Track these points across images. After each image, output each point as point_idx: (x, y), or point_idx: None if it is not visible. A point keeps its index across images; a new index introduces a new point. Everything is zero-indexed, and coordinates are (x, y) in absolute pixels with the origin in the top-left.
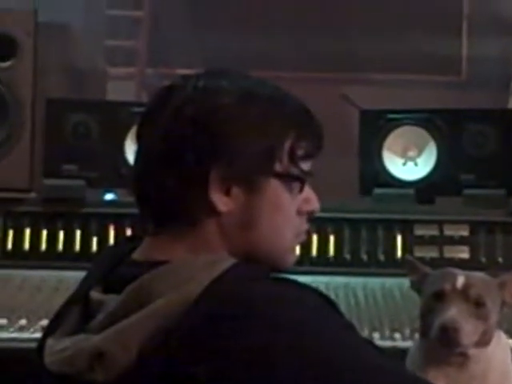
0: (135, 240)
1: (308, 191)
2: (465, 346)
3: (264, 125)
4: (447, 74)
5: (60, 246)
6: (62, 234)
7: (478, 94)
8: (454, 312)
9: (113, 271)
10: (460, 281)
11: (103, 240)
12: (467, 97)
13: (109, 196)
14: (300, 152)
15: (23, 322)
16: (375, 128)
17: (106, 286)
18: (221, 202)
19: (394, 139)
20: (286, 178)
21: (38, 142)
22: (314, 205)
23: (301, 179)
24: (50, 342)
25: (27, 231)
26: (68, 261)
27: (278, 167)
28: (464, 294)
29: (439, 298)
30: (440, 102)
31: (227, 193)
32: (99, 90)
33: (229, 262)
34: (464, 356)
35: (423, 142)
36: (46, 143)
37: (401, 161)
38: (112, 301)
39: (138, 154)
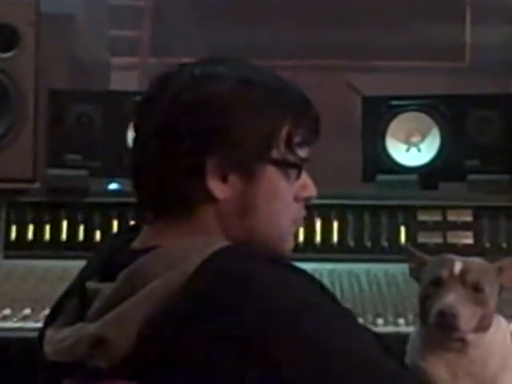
0: (136, 230)
1: (305, 177)
2: (463, 332)
3: (261, 112)
4: (450, 60)
5: (64, 236)
6: (65, 224)
7: (482, 80)
8: (451, 298)
9: (111, 261)
10: (457, 267)
11: (107, 230)
12: (470, 83)
13: (113, 186)
14: (297, 139)
15: (27, 311)
16: (378, 114)
17: (104, 275)
18: (218, 188)
19: (396, 125)
20: (283, 165)
21: (41, 133)
22: (311, 191)
23: (298, 166)
24: (49, 332)
25: (31, 222)
26: (72, 250)
27: (274, 154)
28: (461, 279)
29: (437, 284)
30: (444, 88)
31: (224, 180)
32: (102, 80)
33: (223, 243)
34: (463, 341)
35: (426, 127)
36: (49, 133)
37: (404, 147)
38: (108, 288)
39: (136, 142)
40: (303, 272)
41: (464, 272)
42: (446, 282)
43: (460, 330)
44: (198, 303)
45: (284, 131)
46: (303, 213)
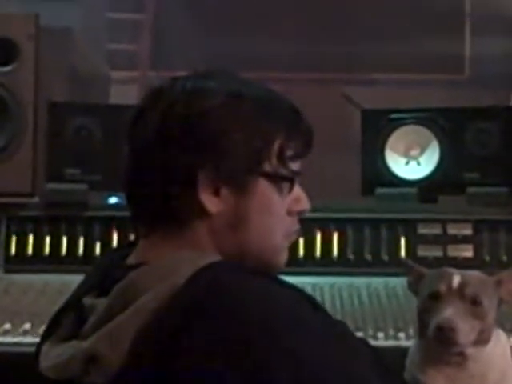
0: (135, 245)
1: (298, 191)
2: (462, 346)
3: (253, 125)
4: (450, 72)
5: (63, 250)
6: (65, 238)
7: (482, 93)
8: (450, 312)
9: (107, 276)
10: (456, 280)
11: (107, 243)
12: (470, 95)
13: (113, 199)
14: (289, 152)
15: (27, 326)
16: (377, 127)
17: (100, 291)
18: (210, 202)
19: (396, 138)
20: (275, 179)
21: (40, 147)
22: (305, 204)
23: (290, 179)
24: (45, 348)
25: (30, 236)
26: (71, 264)
27: (266, 167)
28: (460, 293)
29: (435, 298)
30: (443, 101)
31: (216, 193)
32: (102, 93)
33: (214, 257)
34: (462, 355)
35: (426, 141)
36: (49, 147)
37: (403, 160)
38: (102, 304)
39: (129, 156)
40: (293, 286)
41: (462, 286)
42: (445, 296)
43: (459, 344)
44: (187, 316)
45: (276, 144)
46: (296, 226)
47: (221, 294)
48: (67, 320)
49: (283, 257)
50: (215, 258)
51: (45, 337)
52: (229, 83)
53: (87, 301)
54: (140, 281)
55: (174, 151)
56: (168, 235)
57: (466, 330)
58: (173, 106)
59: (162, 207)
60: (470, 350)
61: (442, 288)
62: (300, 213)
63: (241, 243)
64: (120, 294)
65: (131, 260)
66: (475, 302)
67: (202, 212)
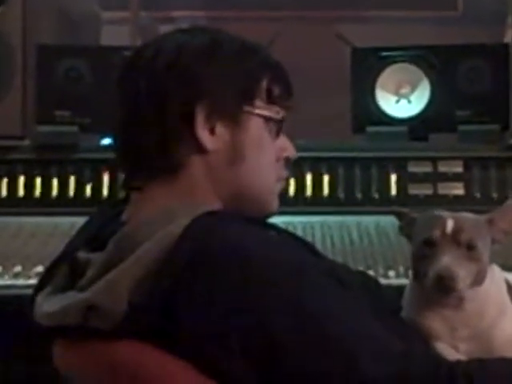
0: (125, 203)
1: (283, 139)
2: (461, 291)
3: (240, 64)
4: (443, 9)
5: (54, 193)
6: (55, 181)
7: (475, 30)
8: (447, 259)
9: (100, 232)
10: (449, 225)
11: (97, 185)
12: (463, 32)
13: (106, 141)
14: (276, 92)
15: (18, 268)
16: (368, 66)
17: (94, 246)
18: (207, 140)
19: (386, 77)
20: (266, 116)
21: (30, 90)
22: (291, 151)
23: (279, 120)
24: (39, 298)
25: (21, 178)
26: (62, 207)
27: (258, 103)
28: (454, 238)
29: (430, 244)
30: (436, 38)
31: (212, 132)
32: (93, 34)
33: (209, 207)
34: (460, 297)
35: (416, 78)
36: (39, 90)
37: (394, 98)
38: (98, 258)
39: (121, 107)
40: (291, 233)
41: (456, 230)
42: (439, 242)
43: (458, 290)
44: (187, 265)
45: (264, 83)
46: (285, 173)
47: (219, 242)
48: (60, 274)
49: (275, 202)
50: (210, 207)
51: (38, 288)
52: (211, 34)
53: (82, 255)
54: (136, 232)
55: (169, 93)
56: (164, 184)
57: (464, 276)
58: (159, 55)
59: (160, 149)
60: (467, 292)
61: (436, 234)
62: (287, 159)
63: (238, 181)
64: (117, 246)
65: (125, 215)
66: (470, 246)
67: (200, 150)
